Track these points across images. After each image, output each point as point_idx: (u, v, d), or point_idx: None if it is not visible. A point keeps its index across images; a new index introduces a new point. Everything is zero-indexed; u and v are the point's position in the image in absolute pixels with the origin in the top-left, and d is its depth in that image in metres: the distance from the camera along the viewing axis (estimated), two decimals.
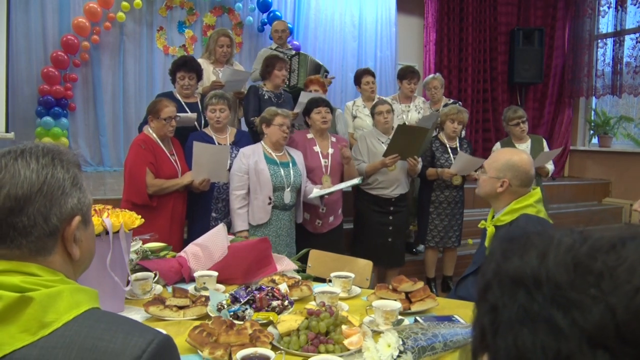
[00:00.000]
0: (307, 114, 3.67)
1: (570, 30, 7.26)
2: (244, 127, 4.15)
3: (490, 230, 2.21)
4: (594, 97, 7.13)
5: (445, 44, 7.02)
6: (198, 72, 3.73)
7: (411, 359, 1.46)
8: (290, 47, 5.19)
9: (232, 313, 1.80)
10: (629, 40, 6.51)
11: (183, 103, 3.67)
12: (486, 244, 2.26)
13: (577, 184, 6.74)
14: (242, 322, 1.70)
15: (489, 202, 2.28)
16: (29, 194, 0.84)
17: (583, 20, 7.03)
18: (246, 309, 1.82)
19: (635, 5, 6.37)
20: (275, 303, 1.87)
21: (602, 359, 0.44)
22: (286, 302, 1.91)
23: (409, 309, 1.95)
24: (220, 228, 2.42)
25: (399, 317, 1.80)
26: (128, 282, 1.94)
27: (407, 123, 4.53)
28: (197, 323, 1.69)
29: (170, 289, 2.07)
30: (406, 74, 4.68)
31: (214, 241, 2.35)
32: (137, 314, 1.86)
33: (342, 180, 3.69)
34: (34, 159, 0.87)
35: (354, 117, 4.56)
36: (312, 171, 3.56)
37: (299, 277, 2.32)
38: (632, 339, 0.43)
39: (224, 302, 1.88)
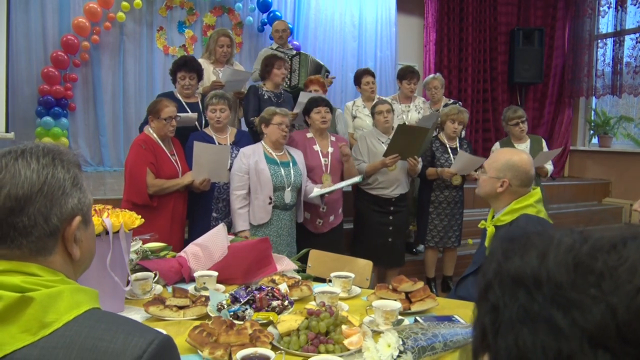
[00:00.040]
0: (307, 114, 3.67)
1: (570, 30, 7.26)
2: (244, 127, 4.16)
3: (490, 230, 2.21)
4: (594, 97, 7.13)
5: (445, 44, 7.02)
6: (199, 72, 3.73)
7: (411, 359, 1.46)
8: (291, 47, 5.19)
9: (232, 313, 1.80)
10: (629, 40, 6.51)
11: (184, 103, 3.67)
12: (486, 244, 2.26)
13: (577, 184, 6.75)
14: (242, 322, 1.70)
15: (488, 202, 2.28)
16: (29, 194, 0.84)
17: (583, 20, 7.03)
18: (246, 309, 1.82)
19: (635, 5, 6.37)
20: (275, 303, 1.87)
21: (603, 359, 0.44)
22: (286, 302, 1.91)
23: (409, 309, 1.95)
24: (220, 228, 2.42)
25: (399, 317, 1.80)
26: (128, 282, 1.94)
27: (407, 123, 4.53)
28: (197, 323, 1.69)
29: (170, 289, 2.07)
30: (406, 74, 4.68)
31: (214, 241, 2.35)
32: (137, 314, 1.86)
33: (342, 178, 3.69)
34: (34, 159, 0.87)
35: (354, 117, 4.56)
36: (312, 170, 3.57)
37: (299, 277, 2.32)
38: (633, 339, 0.43)
39: (224, 302, 1.88)
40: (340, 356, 1.55)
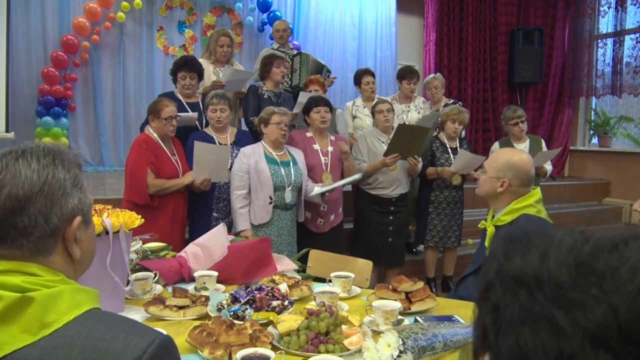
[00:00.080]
0: (307, 113, 3.67)
1: (570, 30, 7.26)
2: (245, 127, 4.16)
3: (490, 230, 2.21)
4: (594, 97, 7.14)
5: (445, 44, 7.02)
6: (199, 72, 3.73)
7: (411, 359, 1.46)
8: (292, 46, 5.19)
9: (232, 313, 1.80)
10: (629, 40, 6.51)
11: (184, 103, 3.67)
12: (486, 244, 2.26)
13: (577, 184, 6.75)
14: (242, 322, 1.70)
15: (489, 202, 2.28)
16: (29, 194, 0.84)
17: (583, 20, 7.03)
18: (246, 309, 1.82)
19: (635, 5, 6.37)
20: (275, 303, 1.87)
21: (604, 359, 0.44)
22: (286, 302, 1.91)
23: (409, 309, 1.95)
24: (220, 228, 2.42)
25: (399, 317, 1.80)
26: (128, 282, 1.94)
27: (407, 123, 4.53)
28: (197, 323, 1.69)
29: (170, 289, 2.07)
30: (406, 74, 4.68)
31: (214, 241, 2.35)
32: (137, 314, 1.86)
33: (342, 177, 3.70)
34: (34, 159, 0.87)
35: (354, 117, 4.56)
36: (313, 169, 3.57)
37: (299, 277, 2.32)
38: (635, 339, 0.43)
39: (224, 302, 1.88)
40: (340, 356, 1.55)
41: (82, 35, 5.65)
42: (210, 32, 5.78)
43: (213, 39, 4.25)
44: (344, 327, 1.66)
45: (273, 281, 2.13)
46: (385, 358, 1.45)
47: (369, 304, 1.92)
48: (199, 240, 2.37)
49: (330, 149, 3.67)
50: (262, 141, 3.40)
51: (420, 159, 3.92)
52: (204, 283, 2.10)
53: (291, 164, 3.38)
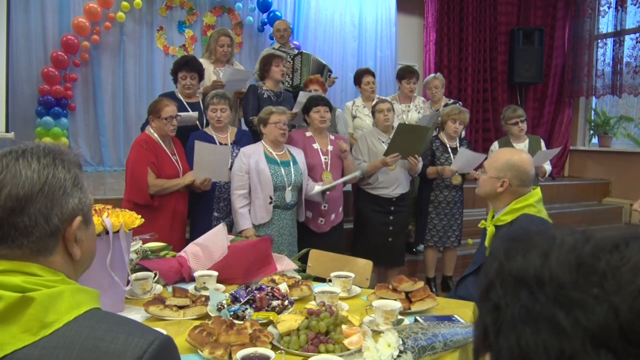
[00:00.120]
0: (306, 113, 3.67)
1: (570, 30, 7.26)
2: (245, 127, 4.16)
3: (491, 230, 2.21)
4: (594, 97, 7.14)
5: (445, 44, 7.02)
6: (200, 72, 3.72)
7: (411, 358, 1.46)
8: (293, 46, 5.19)
9: (232, 313, 1.80)
10: (629, 40, 6.51)
11: (185, 103, 3.67)
12: (486, 243, 2.26)
13: (577, 184, 6.75)
14: (242, 322, 1.70)
15: (489, 202, 2.28)
16: (30, 194, 0.84)
17: (583, 20, 7.03)
18: (246, 308, 1.82)
19: (635, 5, 6.37)
20: (275, 303, 1.87)
21: (605, 359, 0.44)
22: (286, 302, 1.91)
23: (409, 308, 1.95)
24: (220, 228, 2.42)
25: (399, 316, 1.80)
26: (128, 282, 1.94)
27: (407, 123, 4.53)
28: (197, 323, 1.69)
29: (170, 288, 2.07)
30: (405, 73, 4.68)
31: (214, 241, 2.35)
32: (137, 314, 1.86)
33: (342, 176, 3.70)
34: (35, 159, 0.87)
35: (354, 117, 4.56)
36: (313, 168, 3.57)
37: (299, 276, 2.32)
38: (636, 339, 0.43)
39: (224, 301, 1.88)
40: (340, 356, 1.55)
41: (82, 35, 5.64)
42: (210, 32, 5.78)
43: (213, 39, 4.25)
44: (344, 326, 1.66)
45: (273, 281, 2.13)
46: (385, 358, 1.45)
47: (369, 304, 1.92)
48: (199, 240, 2.37)
49: (330, 148, 3.67)
50: (262, 141, 3.40)
51: (420, 159, 3.92)
52: (204, 283, 2.10)
53: (291, 163, 3.38)
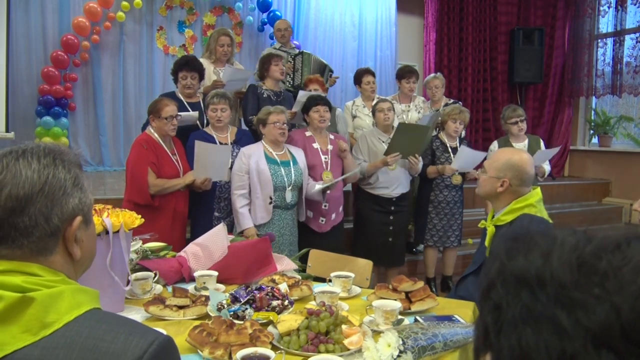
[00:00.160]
0: (306, 112, 3.67)
1: (570, 30, 7.26)
2: (245, 126, 4.16)
3: (491, 230, 2.21)
4: (594, 97, 7.13)
5: (445, 44, 7.02)
6: (200, 72, 3.72)
7: (411, 358, 1.46)
8: (294, 46, 5.19)
9: (232, 313, 1.80)
10: (629, 40, 6.51)
11: (185, 103, 3.67)
12: (486, 243, 2.26)
13: (577, 183, 6.75)
14: (242, 322, 1.70)
15: (489, 201, 2.28)
16: (30, 194, 0.84)
17: (583, 20, 7.03)
18: (246, 308, 1.82)
19: (635, 5, 6.37)
20: (275, 303, 1.87)
21: (606, 359, 0.44)
22: (286, 302, 1.91)
23: (409, 308, 1.95)
24: (220, 228, 2.42)
25: (399, 316, 1.80)
26: (128, 282, 1.94)
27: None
28: (197, 323, 1.69)
29: (170, 288, 2.07)
30: (404, 73, 4.69)
31: (214, 241, 2.35)
32: (137, 314, 1.86)
33: (342, 175, 3.70)
34: (35, 159, 0.87)
35: (354, 116, 4.56)
36: (313, 168, 3.57)
37: (299, 276, 2.32)
38: (637, 338, 0.43)
39: (224, 301, 1.88)
40: (340, 356, 1.55)
41: (82, 35, 5.65)
42: (210, 31, 5.78)
43: (213, 39, 4.25)
44: (344, 326, 1.66)
45: (273, 281, 2.13)
46: (385, 358, 1.45)
47: (369, 304, 1.92)
48: (199, 240, 2.37)
49: (329, 147, 3.67)
50: (262, 141, 3.40)
51: (420, 158, 3.93)
52: (204, 283, 2.10)
53: (291, 163, 3.38)
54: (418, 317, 1.87)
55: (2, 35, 4.99)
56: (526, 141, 4.36)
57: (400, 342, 1.47)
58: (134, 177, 3.13)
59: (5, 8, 5.01)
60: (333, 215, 3.67)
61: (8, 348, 0.77)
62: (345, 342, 1.60)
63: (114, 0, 5.72)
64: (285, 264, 2.43)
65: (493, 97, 7.21)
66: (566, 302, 0.46)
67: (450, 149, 4.19)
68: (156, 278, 2.13)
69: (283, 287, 2.06)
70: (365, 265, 2.75)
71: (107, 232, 1.74)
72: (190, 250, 2.32)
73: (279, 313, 1.82)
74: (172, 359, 0.87)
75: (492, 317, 0.51)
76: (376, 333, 1.66)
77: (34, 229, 0.85)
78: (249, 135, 3.72)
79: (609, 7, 6.76)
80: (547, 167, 4.34)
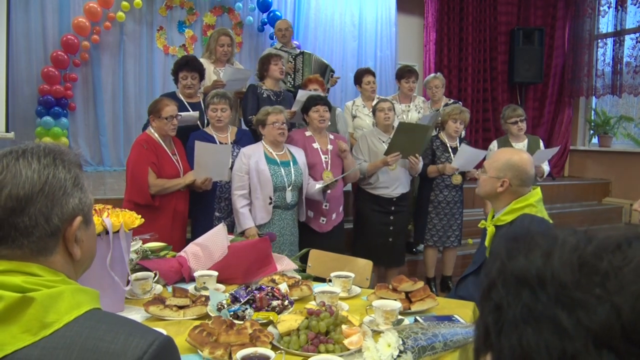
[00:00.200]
0: (305, 112, 3.67)
1: (570, 30, 7.26)
2: (245, 126, 4.16)
3: (491, 230, 2.21)
4: (594, 97, 7.13)
5: (445, 44, 7.02)
6: (200, 72, 3.72)
7: (411, 358, 1.46)
8: (294, 46, 5.18)
9: (232, 313, 1.80)
10: (629, 40, 6.51)
11: (186, 103, 3.67)
12: (486, 243, 2.26)
13: (577, 183, 6.75)
14: (242, 322, 1.70)
15: (489, 201, 2.28)
16: (30, 194, 0.84)
17: (583, 20, 7.03)
18: (246, 308, 1.82)
19: (635, 5, 6.37)
20: (275, 303, 1.87)
21: (607, 359, 0.44)
22: (286, 302, 1.91)
23: (409, 308, 1.95)
24: (220, 228, 2.42)
25: (399, 316, 1.80)
26: (128, 282, 1.94)
27: None
28: (197, 323, 1.69)
29: (170, 288, 2.07)
30: (404, 73, 4.69)
31: (214, 241, 2.35)
32: (137, 314, 1.86)
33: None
34: (35, 159, 0.87)
35: (354, 116, 4.56)
36: (313, 167, 3.57)
37: (299, 276, 2.32)
38: (638, 339, 0.43)
39: (224, 301, 1.88)
40: (340, 356, 1.54)
41: (82, 35, 5.64)
42: (210, 31, 5.78)
43: (213, 39, 4.25)
44: (344, 326, 1.66)
45: (273, 281, 2.13)
46: (385, 358, 1.45)
47: (369, 304, 1.92)
48: (199, 240, 2.37)
49: (329, 147, 3.67)
50: (262, 141, 3.40)
51: (420, 158, 3.93)
52: (204, 283, 2.10)
53: (291, 163, 3.37)
54: (418, 317, 1.87)
55: (2, 35, 4.99)
56: (526, 141, 4.36)
57: (400, 342, 1.47)
58: (134, 177, 3.13)
59: (5, 8, 5.01)
60: (334, 215, 3.67)
61: (8, 348, 0.77)
62: (345, 342, 1.60)
63: (114, 0, 5.72)
64: (285, 264, 2.43)
65: (493, 97, 7.21)
66: (567, 302, 0.46)
67: (450, 149, 4.19)
68: (156, 278, 2.13)
69: (283, 287, 2.06)
70: (365, 265, 2.75)
71: (107, 232, 1.74)
72: (190, 250, 2.32)
73: (279, 313, 1.82)
74: (172, 359, 0.87)
75: (492, 317, 0.51)
76: (376, 333, 1.66)
77: (34, 229, 0.85)
78: (249, 135, 3.72)
79: (609, 7, 6.76)
80: (546, 168, 4.34)
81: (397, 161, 3.83)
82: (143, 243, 2.34)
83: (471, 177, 4.11)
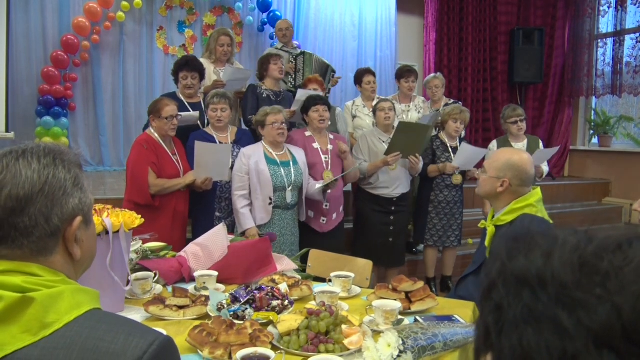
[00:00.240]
0: (305, 112, 3.67)
1: (570, 30, 7.26)
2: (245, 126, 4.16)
3: (491, 230, 2.21)
4: (594, 97, 7.13)
5: (445, 44, 7.02)
6: (200, 72, 3.72)
7: (411, 358, 1.46)
8: (295, 45, 5.18)
9: (232, 313, 1.80)
10: (629, 40, 6.51)
11: (186, 103, 3.67)
12: (486, 243, 2.26)
13: (577, 183, 6.75)
14: (242, 322, 1.70)
15: (489, 201, 2.28)
16: (30, 194, 0.84)
17: (583, 20, 7.03)
18: (246, 308, 1.82)
19: (635, 5, 6.37)
20: (275, 303, 1.87)
21: (608, 359, 0.44)
22: (286, 302, 1.91)
23: (409, 308, 1.95)
24: (220, 228, 2.42)
25: (399, 316, 1.80)
26: (128, 282, 1.94)
27: None
28: (197, 323, 1.69)
29: (170, 288, 2.07)
30: (403, 72, 4.69)
31: (214, 241, 2.35)
32: (137, 314, 1.86)
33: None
34: (35, 159, 0.87)
35: (354, 116, 4.56)
36: (313, 168, 3.57)
37: (299, 276, 2.33)
38: (639, 339, 0.43)
39: (224, 301, 1.88)
40: (340, 356, 1.54)
41: (82, 35, 5.65)
42: (210, 32, 5.78)
43: (213, 39, 4.24)
44: (344, 326, 1.66)
45: (273, 281, 2.13)
46: (385, 358, 1.45)
47: (369, 304, 1.92)
48: (199, 240, 2.37)
49: (330, 147, 3.67)
50: (262, 141, 3.40)
51: (420, 158, 3.93)
52: (204, 283, 2.10)
53: (291, 163, 3.37)
54: (418, 317, 1.87)
55: (2, 35, 4.99)
56: (525, 141, 4.36)
57: (400, 342, 1.47)
58: (134, 177, 3.13)
59: (5, 8, 5.01)
60: (334, 215, 3.67)
61: (8, 348, 0.77)
62: (345, 342, 1.60)
63: (114, 0, 5.72)
64: (285, 264, 2.43)
65: (493, 97, 7.21)
66: (567, 302, 0.46)
67: (450, 149, 4.20)
68: (156, 278, 2.13)
69: (283, 287, 2.06)
70: (365, 265, 2.75)
71: (107, 232, 1.74)
72: (190, 250, 2.32)
73: (279, 313, 1.82)
74: (172, 359, 0.87)
75: (493, 317, 0.51)
76: (376, 333, 1.66)
77: (34, 229, 0.84)
78: (249, 135, 3.72)
79: (609, 7, 6.76)
80: (545, 168, 4.34)
81: (398, 161, 3.83)
82: (143, 243, 2.34)
83: (471, 177, 4.11)
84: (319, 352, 1.56)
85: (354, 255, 3.05)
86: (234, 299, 1.88)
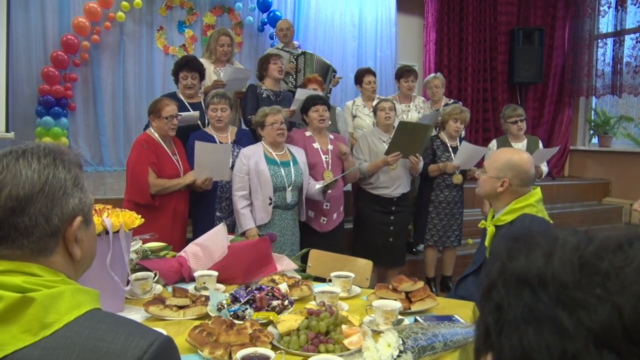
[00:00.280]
0: (305, 112, 3.66)
1: (570, 30, 7.26)
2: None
3: (491, 229, 2.21)
4: (594, 97, 7.13)
5: (445, 44, 7.02)
6: (201, 72, 3.72)
7: (411, 358, 1.46)
8: (296, 46, 5.17)
9: (232, 313, 1.80)
10: (629, 40, 6.51)
11: (186, 103, 3.67)
12: (486, 243, 2.26)
13: (577, 183, 6.74)
14: (242, 322, 1.70)
15: (489, 201, 2.28)
16: (30, 194, 0.84)
17: (583, 20, 7.03)
18: (246, 308, 1.82)
19: (635, 5, 6.37)
20: (275, 303, 1.87)
21: (608, 359, 0.44)
22: (286, 302, 1.91)
23: (409, 308, 1.95)
24: (220, 228, 2.42)
25: (399, 316, 1.80)
26: (128, 282, 1.94)
27: None
28: (197, 323, 1.69)
29: (170, 288, 2.07)
30: (403, 72, 4.69)
31: (214, 241, 2.35)
32: (137, 314, 1.86)
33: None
34: (35, 159, 0.87)
35: (354, 116, 4.56)
36: (314, 167, 3.57)
37: (299, 276, 2.33)
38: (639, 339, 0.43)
39: (224, 301, 1.88)
40: (340, 356, 1.54)
41: (82, 35, 5.65)
42: (210, 32, 5.78)
43: (213, 39, 4.24)
44: (344, 326, 1.66)
45: (273, 281, 2.13)
46: (385, 358, 1.45)
47: (369, 304, 1.92)
48: (199, 240, 2.37)
49: (330, 147, 3.67)
50: (262, 142, 3.40)
51: (421, 158, 3.93)
52: (204, 283, 2.10)
53: (291, 163, 3.37)
54: (418, 317, 1.87)
55: (2, 35, 4.99)
56: (525, 141, 4.36)
57: (400, 342, 1.47)
58: (134, 177, 3.13)
59: (5, 8, 5.01)
60: (334, 215, 3.67)
61: (8, 348, 0.77)
62: (345, 342, 1.60)
63: (114, 0, 5.72)
64: (285, 264, 2.43)
65: (493, 97, 7.21)
66: (568, 302, 0.46)
67: (450, 149, 4.20)
68: (156, 278, 2.13)
69: (283, 287, 2.06)
70: (365, 265, 2.75)
71: (107, 232, 1.74)
72: (190, 250, 2.32)
73: (279, 313, 1.82)
74: (172, 359, 0.87)
75: (493, 317, 0.51)
76: (376, 333, 1.66)
77: (34, 229, 0.84)
78: (249, 135, 3.72)
79: (609, 7, 6.76)
80: (544, 168, 4.35)
81: (398, 161, 3.83)
82: (143, 243, 2.34)
83: (472, 177, 4.11)
84: (319, 352, 1.56)
85: (354, 255, 3.05)
86: (234, 299, 1.88)
